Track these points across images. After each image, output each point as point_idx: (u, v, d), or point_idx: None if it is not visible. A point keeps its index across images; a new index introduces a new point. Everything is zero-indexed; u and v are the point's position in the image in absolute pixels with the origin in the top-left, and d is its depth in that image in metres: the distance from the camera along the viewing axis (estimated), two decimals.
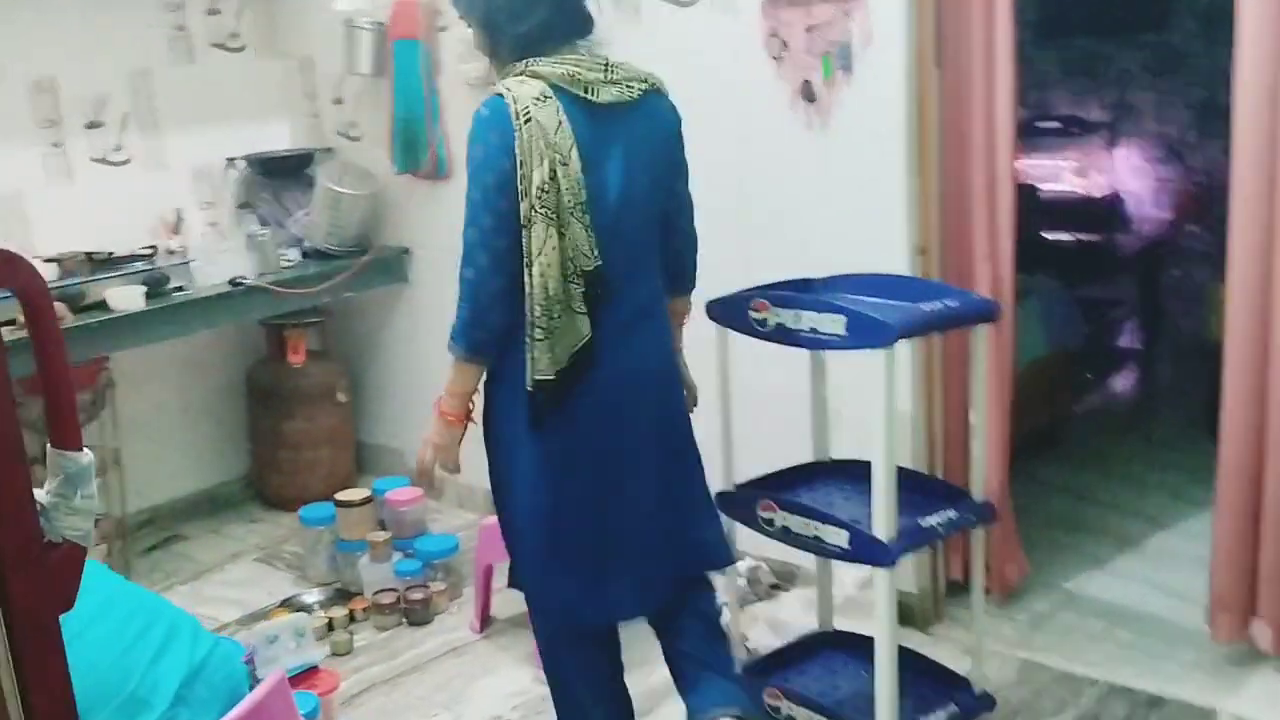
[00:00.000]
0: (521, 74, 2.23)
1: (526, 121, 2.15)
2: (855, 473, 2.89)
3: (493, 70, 2.34)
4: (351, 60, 4.14)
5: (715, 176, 3.42)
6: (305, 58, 4.46)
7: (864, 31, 3.05)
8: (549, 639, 2.52)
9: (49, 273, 3.55)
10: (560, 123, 2.17)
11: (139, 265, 3.78)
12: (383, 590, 3.58)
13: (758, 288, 2.82)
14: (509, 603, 3.42)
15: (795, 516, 2.69)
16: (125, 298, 3.56)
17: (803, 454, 3.11)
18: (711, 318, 2.80)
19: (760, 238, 3.39)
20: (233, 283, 3.85)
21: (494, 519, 2.65)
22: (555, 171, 2.16)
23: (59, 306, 3.38)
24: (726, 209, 3.44)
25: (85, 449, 1.45)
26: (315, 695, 2.68)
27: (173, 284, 3.77)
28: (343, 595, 3.72)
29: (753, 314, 2.68)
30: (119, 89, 4.07)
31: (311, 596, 3.73)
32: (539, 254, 2.18)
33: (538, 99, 2.17)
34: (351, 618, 3.57)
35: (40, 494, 1.38)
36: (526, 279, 2.20)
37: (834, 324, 2.52)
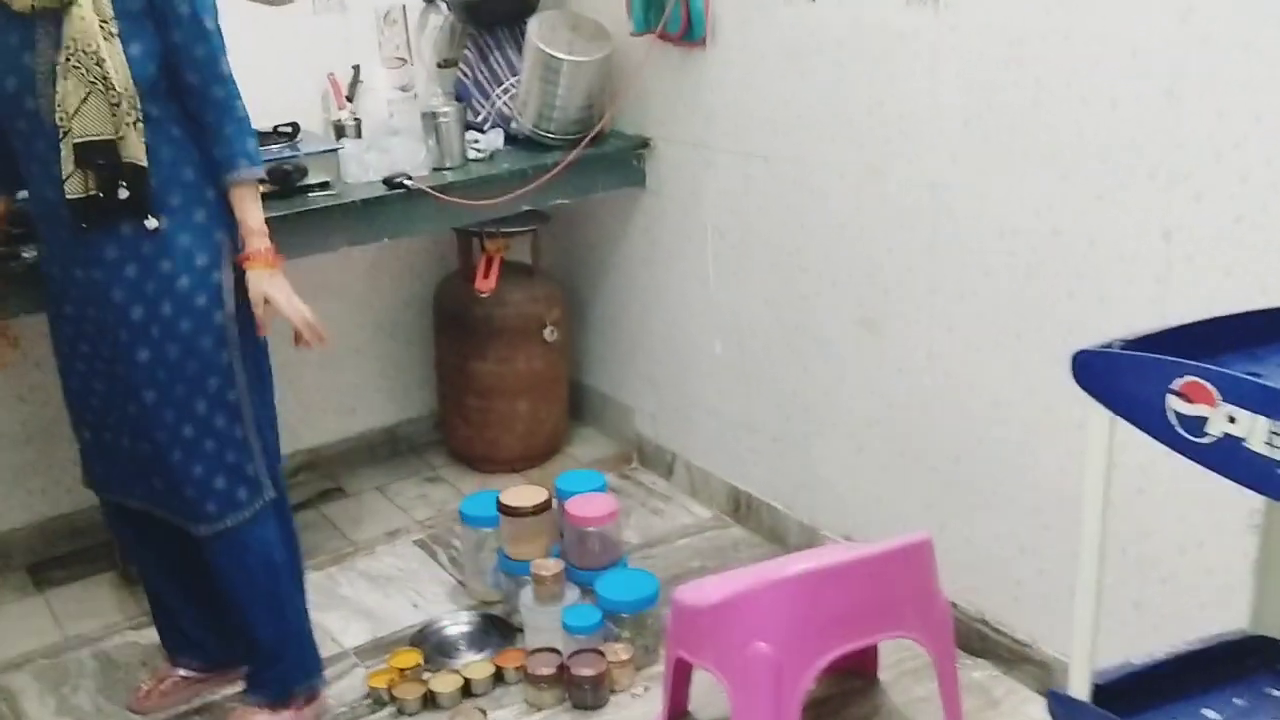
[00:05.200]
0: None
1: None
2: None
3: None
4: None
5: (1123, 72, 1.98)
6: None
7: None
8: None
9: None
10: None
11: (274, 150, 2.77)
12: (541, 650, 2.51)
13: (1183, 332, 1.42)
14: (711, 696, 2.28)
15: None
16: None
17: (1229, 615, 1.72)
18: (1085, 385, 1.43)
19: (1198, 199, 1.92)
20: (388, 183, 2.78)
21: (689, 588, 2.25)
22: None
23: None
24: (1137, 133, 1.99)
25: None
26: None
27: (311, 179, 2.74)
28: (499, 629, 2.69)
29: (1175, 403, 1.30)
30: None
31: (458, 626, 2.72)
32: None
33: None
34: (499, 677, 2.54)
35: None
36: None
37: None
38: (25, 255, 2.35)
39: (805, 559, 2.18)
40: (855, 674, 2.46)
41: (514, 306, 3.23)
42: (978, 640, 2.52)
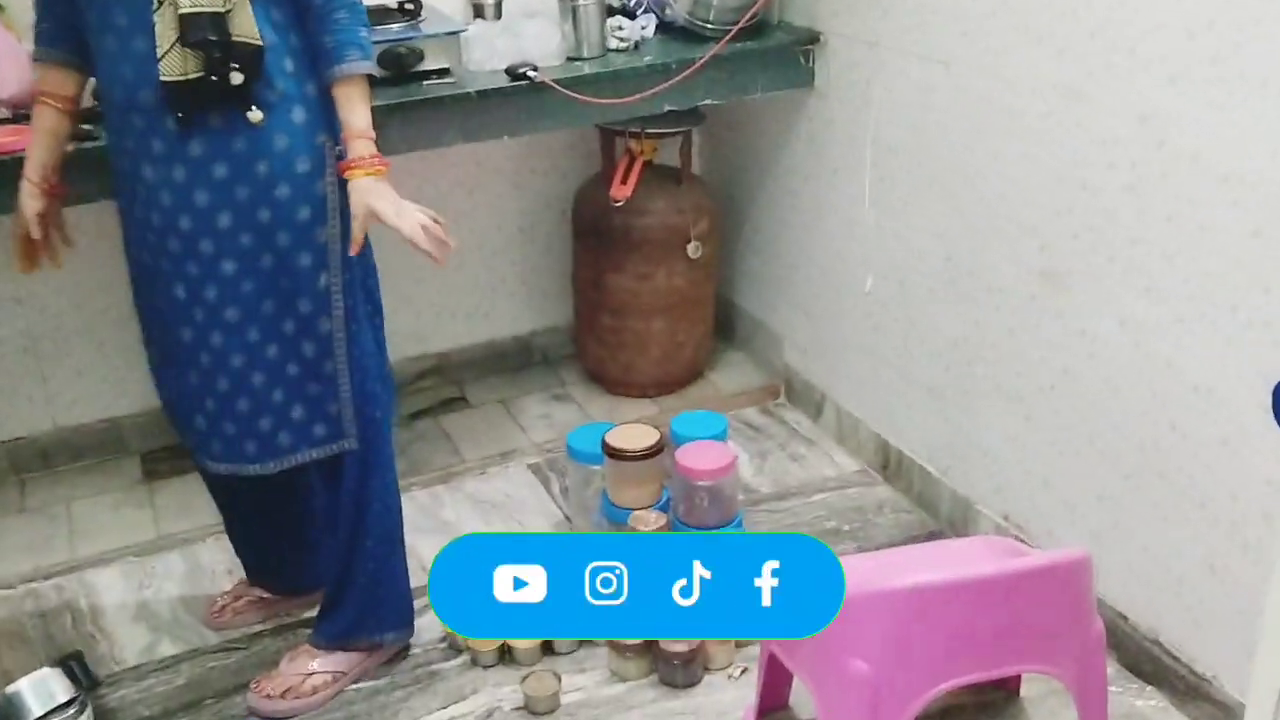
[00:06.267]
0: None
1: None
2: None
3: None
4: None
5: None
6: None
7: None
8: None
9: None
10: None
11: (393, 29, 2.50)
12: None
13: None
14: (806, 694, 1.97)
15: None
16: None
17: None
18: None
19: None
20: (510, 73, 2.47)
21: None
22: None
23: None
24: None
25: None
26: None
27: (429, 64, 2.46)
28: None
29: None
30: None
31: None
32: None
33: None
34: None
35: None
36: None
37: None
38: (96, 140, 2.15)
39: (931, 563, 1.82)
40: (994, 685, 2.10)
41: (656, 216, 2.90)
42: (1148, 663, 2.11)
